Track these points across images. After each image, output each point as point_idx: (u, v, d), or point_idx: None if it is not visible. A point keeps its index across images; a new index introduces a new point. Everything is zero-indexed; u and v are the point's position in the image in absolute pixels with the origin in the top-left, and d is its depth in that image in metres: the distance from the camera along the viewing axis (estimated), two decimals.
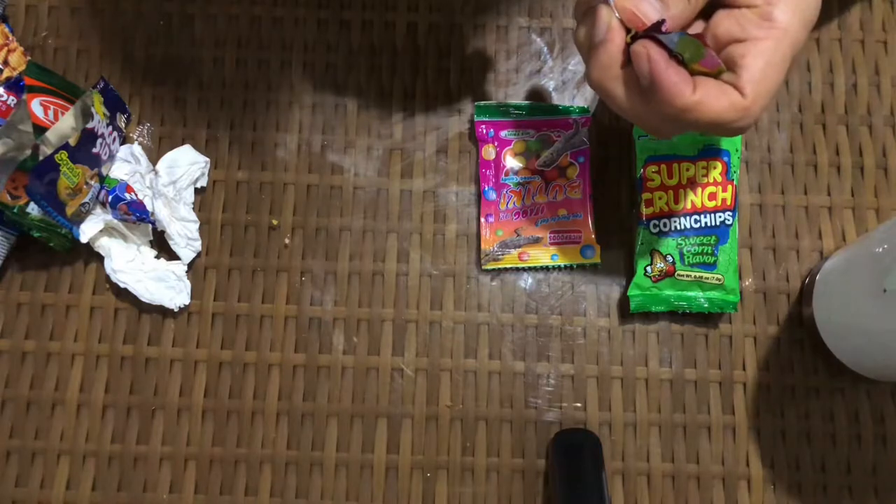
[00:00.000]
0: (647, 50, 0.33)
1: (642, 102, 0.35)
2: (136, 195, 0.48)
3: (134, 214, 0.47)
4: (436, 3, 0.54)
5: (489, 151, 0.51)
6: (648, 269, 0.48)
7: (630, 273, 0.49)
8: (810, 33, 0.36)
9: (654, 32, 0.34)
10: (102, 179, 0.49)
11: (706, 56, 0.34)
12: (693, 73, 0.34)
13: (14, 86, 0.45)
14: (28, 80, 0.45)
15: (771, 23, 0.34)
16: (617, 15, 0.35)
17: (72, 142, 0.44)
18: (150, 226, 0.49)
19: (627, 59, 0.35)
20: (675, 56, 0.34)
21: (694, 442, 0.47)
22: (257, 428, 0.47)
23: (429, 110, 0.52)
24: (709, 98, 0.33)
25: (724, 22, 0.35)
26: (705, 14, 0.36)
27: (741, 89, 0.33)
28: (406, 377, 0.48)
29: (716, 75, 0.34)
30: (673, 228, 0.48)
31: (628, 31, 0.35)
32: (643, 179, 0.49)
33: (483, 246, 0.50)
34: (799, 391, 0.48)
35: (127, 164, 0.50)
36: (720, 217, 0.48)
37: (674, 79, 0.33)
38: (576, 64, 0.53)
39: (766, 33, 0.34)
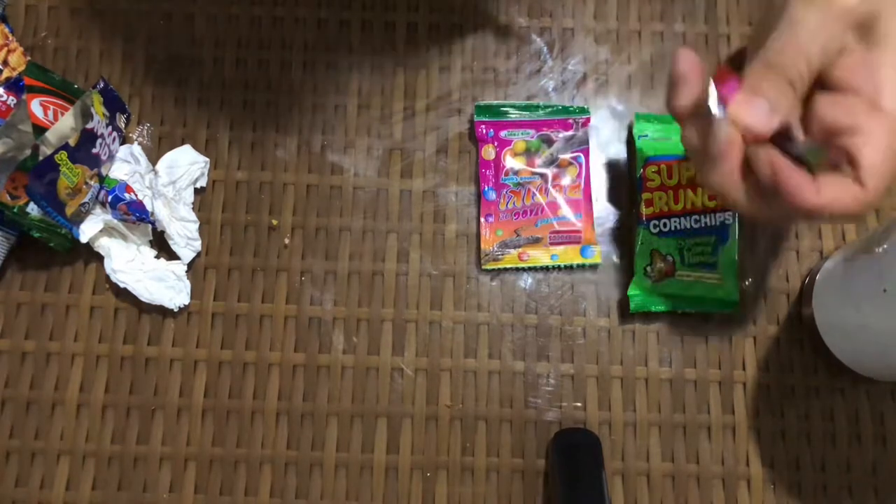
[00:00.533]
0: (770, 158, 0.34)
1: (762, 202, 0.35)
2: (135, 195, 0.48)
3: (134, 214, 0.47)
4: (436, 3, 0.54)
5: (489, 151, 0.51)
6: (648, 269, 0.48)
7: (630, 273, 0.49)
8: None
9: (779, 140, 0.34)
10: (102, 179, 0.49)
11: (829, 159, 0.34)
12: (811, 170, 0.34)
13: (14, 86, 0.45)
14: (28, 80, 0.45)
15: (882, 112, 0.33)
16: (728, 127, 0.34)
17: (71, 142, 0.44)
18: (149, 226, 0.49)
19: (746, 163, 0.35)
20: (795, 158, 0.34)
21: (694, 442, 0.47)
22: (257, 428, 0.47)
23: (429, 110, 0.52)
24: (833, 198, 0.33)
25: (830, 109, 0.34)
26: None
27: (863, 183, 0.33)
28: (406, 377, 0.48)
29: (833, 168, 0.34)
30: (673, 228, 0.48)
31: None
32: (643, 179, 0.49)
33: (483, 246, 0.49)
34: (799, 391, 0.48)
35: (127, 164, 0.50)
36: (720, 217, 0.48)
37: (799, 184, 0.33)
38: (576, 64, 0.53)
39: (878, 123, 0.33)
